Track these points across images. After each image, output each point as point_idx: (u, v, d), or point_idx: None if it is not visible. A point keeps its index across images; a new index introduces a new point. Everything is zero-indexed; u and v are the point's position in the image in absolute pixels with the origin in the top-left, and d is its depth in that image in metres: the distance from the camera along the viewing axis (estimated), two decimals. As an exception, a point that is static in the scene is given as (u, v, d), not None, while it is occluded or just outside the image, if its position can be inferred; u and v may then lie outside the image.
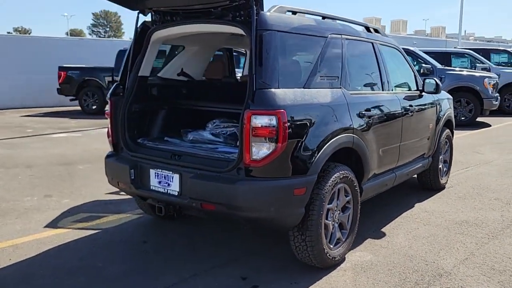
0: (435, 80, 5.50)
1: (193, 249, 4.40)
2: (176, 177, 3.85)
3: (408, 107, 5.06)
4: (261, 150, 3.34)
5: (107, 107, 4.66)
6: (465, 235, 4.81)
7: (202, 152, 3.98)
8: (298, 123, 3.45)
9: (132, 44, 4.64)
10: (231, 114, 4.82)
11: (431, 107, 5.77)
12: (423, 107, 5.54)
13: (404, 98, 5.07)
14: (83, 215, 5.33)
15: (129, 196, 5.56)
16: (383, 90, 4.79)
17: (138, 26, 4.58)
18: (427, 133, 5.65)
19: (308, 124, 3.53)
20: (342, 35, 4.24)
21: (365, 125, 4.20)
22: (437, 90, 5.49)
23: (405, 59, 5.64)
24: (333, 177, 3.72)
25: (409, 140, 5.14)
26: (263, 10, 3.51)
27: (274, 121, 3.27)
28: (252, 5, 3.38)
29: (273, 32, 3.49)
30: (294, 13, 3.93)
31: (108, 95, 4.64)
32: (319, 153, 3.56)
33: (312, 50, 3.91)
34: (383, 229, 4.96)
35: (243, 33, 3.61)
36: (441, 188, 6.35)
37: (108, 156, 4.62)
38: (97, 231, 4.84)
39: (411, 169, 5.36)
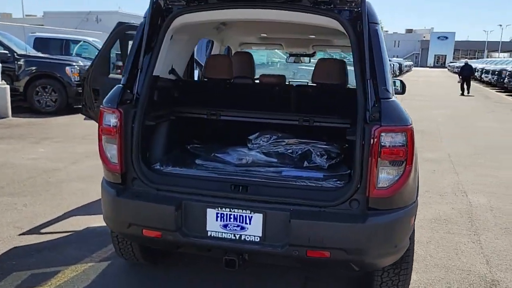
0: None
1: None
2: (257, 217, 2.88)
3: None
4: (389, 175, 2.78)
5: (109, 120, 3.18)
6: None
7: (276, 180, 3.13)
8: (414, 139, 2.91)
9: (145, 32, 3.22)
10: (274, 125, 3.78)
11: None
12: None
13: None
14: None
15: (65, 231, 4.46)
16: None
17: (153, 4, 3.19)
18: None
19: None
20: None
21: None
22: None
23: None
24: None
25: None
26: None
27: (404, 139, 2.76)
28: None
29: (379, 26, 3.05)
30: None
31: (112, 103, 3.17)
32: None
33: None
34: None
35: (336, 26, 3.04)
36: None
37: (118, 193, 3.13)
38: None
39: None
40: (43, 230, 4.70)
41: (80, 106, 5.55)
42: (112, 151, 3.19)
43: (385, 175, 2.74)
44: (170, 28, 3.32)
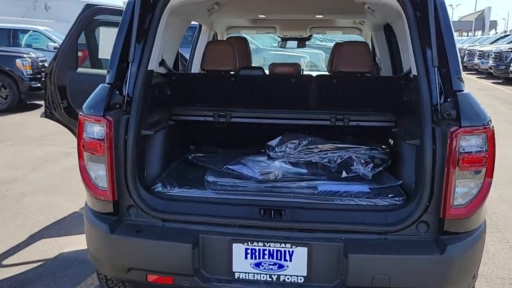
0: None
1: None
2: (300, 252, 2.28)
3: None
4: (467, 189, 2.28)
5: (93, 132, 2.42)
6: None
7: (316, 199, 2.54)
8: None
9: (135, 12, 2.45)
10: (292, 126, 3.16)
11: None
12: None
13: None
14: None
15: (32, 261, 3.72)
16: None
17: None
18: None
19: None
20: None
21: None
22: None
23: None
24: None
25: None
26: None
27: (485, 143, 2.26)
28: None
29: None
30: None
31: (96, 110, 2.39)
32: None
33: None
34: None
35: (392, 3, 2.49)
36: None
37: (112, 229, 2.37)
38: None
39: None
40: (4, 262, 3.86)
41: (36, 103, 4.63)
42: (99, 171, 2.43)
43: (463, 189, 2.24)
44: (168, 7, 2.55)
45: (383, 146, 2.91)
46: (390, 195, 2.47)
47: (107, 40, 2.67)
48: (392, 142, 2.97)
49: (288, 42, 5.48)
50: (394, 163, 2.79)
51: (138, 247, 2.33)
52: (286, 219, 2.35)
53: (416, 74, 2.37)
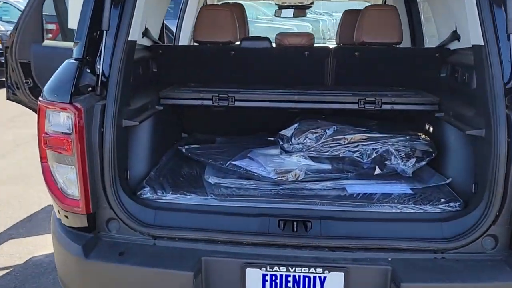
0: None
1: None
2: (335, 279, 1.78)
3: None
4: None
5: (57, 124, 1.83)
6: None
7: (349, 205, 2.03)
8: None
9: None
10: (309, 111, 2.58)
11: None
12: None
13: None
14: None
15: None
16: None
17: None
18: None
19: None
20: None
21: None
22: None
23: None
24: None
25: None
26: None
27: None
28: None
29: None
30: None
31: (60, 94, 1.81)
32: None
33: None
34: None
35: None
36: None
37: (86, 251, 1.82)
38: None
39: None
40: None
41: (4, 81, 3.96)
42: (68, 175, 1.89)
43: None
44: None
45: (423, 136, 2.38)
46: (442, 199, 1.96)
47: (77, 4, 2.08)
48: (432, 129, 2.44)
49: (283, 12, 4.79)
50: (437, 156, 2.27)
51: (122, 276, 1.79)
52: (314, 234, 1.84)
53: (482, 44, 1.82)
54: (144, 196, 2.01)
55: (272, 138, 2.82)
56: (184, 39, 3.88)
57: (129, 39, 1.95)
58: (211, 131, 3.02)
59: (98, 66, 1.89)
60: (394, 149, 2.15)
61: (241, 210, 1.96)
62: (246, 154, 2.36)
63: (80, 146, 1.81)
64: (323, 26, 15.27)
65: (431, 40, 3.56)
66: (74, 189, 1.87)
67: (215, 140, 2.87)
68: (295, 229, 1.85)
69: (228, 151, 2.53)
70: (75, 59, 1.88)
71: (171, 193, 2.03)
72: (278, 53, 2.77)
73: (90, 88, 1.87)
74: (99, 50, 1.90)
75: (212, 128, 3.04)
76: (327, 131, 2.20)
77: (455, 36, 2.53)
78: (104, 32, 1.89)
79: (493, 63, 1.77)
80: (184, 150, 2.52)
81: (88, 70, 1.87)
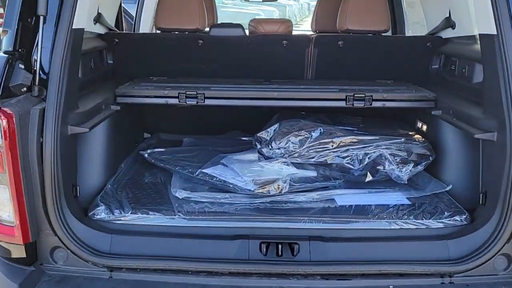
0: None
1: None
2: None
3: None
4: None
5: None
6: None
7: (340, 221, 1.75)
8: None
9: None
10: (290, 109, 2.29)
11: None
12: None
13: None
14: None
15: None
16: None
17: None
18: None
19: None
20: None
21: None
22: None
23: None
24: None
25: None
26: None
27: None
28: None
29: None
30: None
31: None
32: None
33: None
34: None
35: None
36: None
37: None
38: None
39: None
40: None
41: None
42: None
43: None
44: None
45: (418, 136, 2.12)
46: (446, 212, 1.70)
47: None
48: (426, 128, 2.18)
49: None
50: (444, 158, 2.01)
51: None
52: (302, 259, 1.57)
53: (494, 33, 1.56)
54: (98, 217, 1.67)
55: (247, 138, 2.51)
56: (146, 26, 3.48)
57: (74, 27, 1.59)
58: (177, 130, 2.68)
59: (35, 60, 1.53)
60: (389, 154, 1.87)
61: (216, 231, 1.65)
62: (219, 160, 2.04)
63: (13, 160, 1.45)
64: (289, 11, 14.96)
65: (414, 27, 3.31)
66: (7, 213, 1.51)
67: (182, 141, 2.54)
68: (280, 253, 1.57)
69: (198, 155, 2.21)
70: (4, 52, 1.50)
71: (131, 212, 1.69)
72: (253, 42, 2.45)
73: (25, 88, 1.51)
74: (35, 41, 1.54)
75: (178, 127, 2.69)
76: (312, 133, 1.90)
77: (448, 23, 2.27)
78: (41, 18, 1.52)
79: (508, 55, 1.51)
80: (146, 155, 2.18)
81: (22, 66, 1.50)
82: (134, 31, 3.57)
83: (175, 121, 2.68)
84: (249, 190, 1.80)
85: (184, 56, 2.41)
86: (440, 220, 1.68)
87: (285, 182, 1.76)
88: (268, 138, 1.99)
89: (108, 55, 2.32)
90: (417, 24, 3.20)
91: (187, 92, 2.03)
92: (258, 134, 2.04)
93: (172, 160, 2.13)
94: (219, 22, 3.52)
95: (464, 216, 1.69)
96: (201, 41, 2.36)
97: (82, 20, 1.70)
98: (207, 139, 2.49)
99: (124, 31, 2.90)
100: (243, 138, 2.50)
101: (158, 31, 2.47)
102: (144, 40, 2.54)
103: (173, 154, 2.20)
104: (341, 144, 1.89)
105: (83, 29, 1.72)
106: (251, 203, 1.78)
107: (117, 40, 2.36)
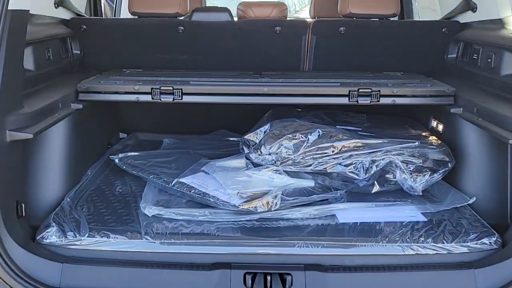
0: None
1: None
2: None
3: None
4: None
5: None
6: None
7: (341, 245, 1.42)
8: None
9: None
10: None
11: None
12: None
13: None
14: None
15: None
16: None
17: None
18: None
19: None
20: None
21: None
22: None
23: None
24: None
25: None
26: None
27: None
28: None
29: None
30: None
31: None
32: None
33: None
34: None
35: None
36: None
37: None
38: None
39: None
40: None
41: None
42: None
43: None
44: None
45: (434, 138, 1.81)
46: (472, 233, 1.40)
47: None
48: (442, 128, 1.87)
49: None
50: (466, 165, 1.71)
51: None
52: None
53: None
54: (47, 241, 1.37)
55: (235, 139, 2.21)
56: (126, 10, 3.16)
57: (11, 7, 1.28)
58: (158, 129, 2.38)
59: None
60: (401, 161, 1.57)
61: (190, 258, 1.35)
62: (199, 167, 1.74)
63: None
64: None
65: (423, 13, 2.98)
66: None
67: (161, 142, 2.24)
68: (268, 287, 1.27)
69: (178, 160, 1.90)
70: None
71: (88, 235, 1.38)
72: (241, 28, 2.13)
73: None
74: None
75: (159, 125, 2.39)
76: (309, 136, 1.59)
77: (467, 5, 1.96)
78: None
79: None
80: (117, 160, 1.87)
81: None
82: (114, 15, 3.25)
83: (155, 119, 2.37)
84: (233, 205, 1.50)
85: (162, 45, 2.10)
86: (464, 244, 1.38)
87: (276, 197, 1.45)
88: (257, 142, 1.68)
89: (73, 44, 2.00)
90: (427, 9, 2.87)
91: (162, 88, 1.72)
92: (245, 137, 1.73)
93: (147, 166, 1.83)
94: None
95: (494, 239, 1.39)
96: (182, 27, 2.05)
97: (25, 0, 1.38)
98: (190, 140, 2.18)
99: (96, 17, 2.58)
100: (230, 139, 2.19)
101: (134, 16, 2.15)
102: (116, 26, 2.21)
103: (148, 159, 1.90)
104: (343, 149, 1.58)
105: (28, 11, 1.41)
106: (235, 222, 1.48)
107: (84, 26, 2.05)
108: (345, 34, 2.05)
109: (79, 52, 2.03)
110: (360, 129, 1.87)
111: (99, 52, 2.12)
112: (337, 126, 1.88)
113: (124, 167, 1.85)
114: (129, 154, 1.94)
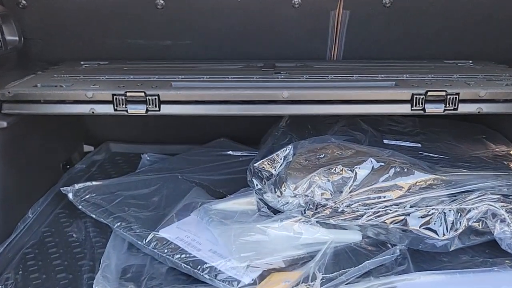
0: None
1: None
2: None
3: None
4: None
5: None
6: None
7: None
8: None
9: None
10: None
11: None
12: None
13: None
14: None
15: None
16: None
17: None
18: None
19: None
20: None
21: None
22: None
23: None
24: None
25: None
26: None
27: None
28: None
29: None
30: None
31: None
32: None
33: None
34: None
35: None
36: None
37: None
38: None
39: None
40: None
41: None
42: None
43: None
44: None
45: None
46: None
47: None
48: None
49: None
50: None
51: None
52: None
53: None
54: None
55: (239, 153, 1.64)
56: None
57: None
58: (138, 137, 1.81)
59: None
60: (502, 207, 1.01)
61: None
62: (189, 209, 1.18)
63: None
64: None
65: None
66: None
67: (141, 156, 1.67)
68: None
69: (158, 191, 1.34)
70: None
71: None
72: (245, 1, 1.54)
73: None
74: None
75: (139, 132, 1.82)
76: (357, 170, 1.02)
77: None
78: None
79: None
80: (71, 196, 1.31)
81: None
82: None
83: (133, 124, 1.79)
84: (240, 280, 0.94)
85: (134, 26, 1.50)
86: None
87: (314, 282, 0.89)
88: (275, 173, 1.11)
89: (6, 28, 1.41)
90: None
91: (129, 93, 1.14)
92: (255, 164, 1.16)
93: (114, 204, 1.26)
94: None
95: None
96: (162, 1, 1.45)
97: None
98: (178, 157, 1.61)
99: None
100: (232, 153, 1.62)
101: None
102: (72, 2, 1.61)
103: (116, 191, 1.33)
104: (411, 189, 1.02)
105: None
106: None
107: (24, 2, 1.45)
108: (391, 7, 1.45)
109: (16, 38, 1.43)
110: (419, 145, 1.30)
111: (47, 39, 1.51)
112: (385, 141, 1.32)
113: (80, 206, 1.28)
114: (89, 184, 1.36)
